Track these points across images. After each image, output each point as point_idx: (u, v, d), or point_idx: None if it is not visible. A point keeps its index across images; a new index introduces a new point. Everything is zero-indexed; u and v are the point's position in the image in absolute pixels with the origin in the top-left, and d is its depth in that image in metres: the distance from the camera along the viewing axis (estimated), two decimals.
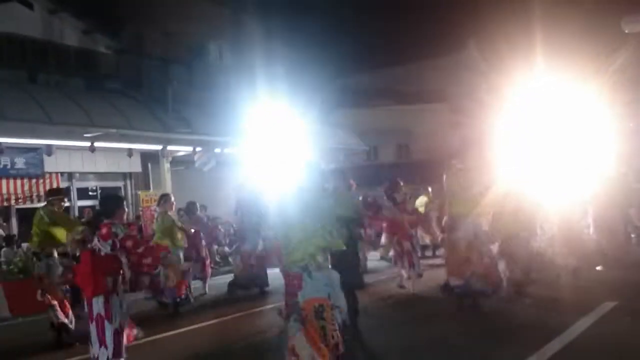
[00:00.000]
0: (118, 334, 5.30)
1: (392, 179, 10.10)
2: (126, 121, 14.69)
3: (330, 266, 4.54)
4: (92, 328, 5.32)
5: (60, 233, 7.33)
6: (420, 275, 9.55)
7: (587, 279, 9.03)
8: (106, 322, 5.25)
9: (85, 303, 5.40)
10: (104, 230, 5.39)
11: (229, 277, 11.14)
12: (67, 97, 14.70)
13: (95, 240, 5.40)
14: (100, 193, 16.29)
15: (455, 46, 30.33)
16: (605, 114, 14.47)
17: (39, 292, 7.21)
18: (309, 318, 4.30)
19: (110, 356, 5.24)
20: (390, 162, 28.34)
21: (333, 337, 4.32)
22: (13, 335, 6.98)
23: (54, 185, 14.73)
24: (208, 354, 6.40)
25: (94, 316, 5.29)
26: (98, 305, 5.28)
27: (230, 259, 13.64)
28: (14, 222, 14.66)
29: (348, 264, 5.44)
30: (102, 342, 5.25)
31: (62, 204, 7.84)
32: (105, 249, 5.36)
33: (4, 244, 12.37)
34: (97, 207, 5.87)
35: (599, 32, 18.92)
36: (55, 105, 13.98)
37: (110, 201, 5.87)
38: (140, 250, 5.59)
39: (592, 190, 10.86)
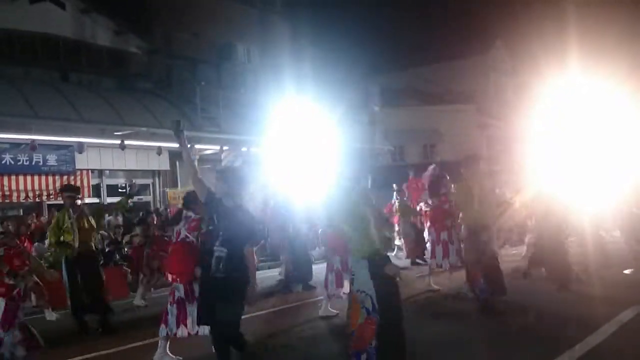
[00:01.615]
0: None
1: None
2: (156, 120, 14.92)
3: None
4: (174, 309, 5.86)
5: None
6: (453, 268, 9.20)
7: (614, 282, 8.89)
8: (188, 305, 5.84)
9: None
10: (193, 223, 6.02)
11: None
12: (98, 96, 14.99)
13: (184, 230, 6.03)
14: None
15: (483, 47, 30.13)
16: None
17: None
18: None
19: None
20: (416, 162, 28.26)
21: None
22: (43, 327, 7.13)
23: (85, 182, 15.05)
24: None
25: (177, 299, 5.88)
26: (179, 290, 5.88)
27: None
28: (45, 217, 14.96)
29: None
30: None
31: (75, 201, 7.91)
32: (191, 238, 5.99)
33: (36, 239, 12.64)
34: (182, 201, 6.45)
35: (637, 30, 18.65)
36: (86, 104, 14.26)
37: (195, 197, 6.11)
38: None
39: (623, 193, 10.72)
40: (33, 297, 8.72)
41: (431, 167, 10.75)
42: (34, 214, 14.83)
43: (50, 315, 8.73)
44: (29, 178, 14.28)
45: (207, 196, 5.00)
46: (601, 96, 13.80)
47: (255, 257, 6.49)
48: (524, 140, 16.40)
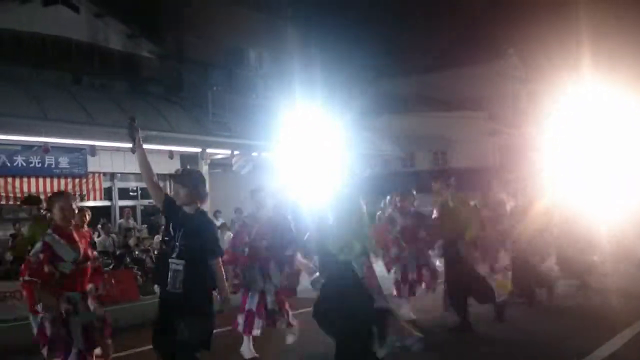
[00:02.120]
0: None
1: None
2: (167, 124, 14.97)
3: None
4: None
5: None
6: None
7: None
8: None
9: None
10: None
11: None
12: (110, 100, 15.05)
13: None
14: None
15: (496, 54, 30.05)
16: None
17: None
18: None
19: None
20: (426, 169, 28.17)
21: None
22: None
23: (97, 185, 15.10)
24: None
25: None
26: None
27: None
28: None
29: None
30: None
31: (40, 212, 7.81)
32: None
33: None
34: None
35: None
36: (98, 107, 14.31)
37: None
38: None
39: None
40: None
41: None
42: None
43: None
44: (40, 180, 14.33)
45: (165, 202, 4.54)
46: (615, 103, 13.69)
47: (303, 261, 6.42)
48: (536, 148, 16.31)
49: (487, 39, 28.37)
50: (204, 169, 16.57)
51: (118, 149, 14.77)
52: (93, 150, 14.24)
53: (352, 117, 18.38)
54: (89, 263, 4.91)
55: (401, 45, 32.77)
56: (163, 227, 4.99)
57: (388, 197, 14.00)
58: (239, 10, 19.97)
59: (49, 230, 4.86)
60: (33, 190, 14.25)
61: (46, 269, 4.70)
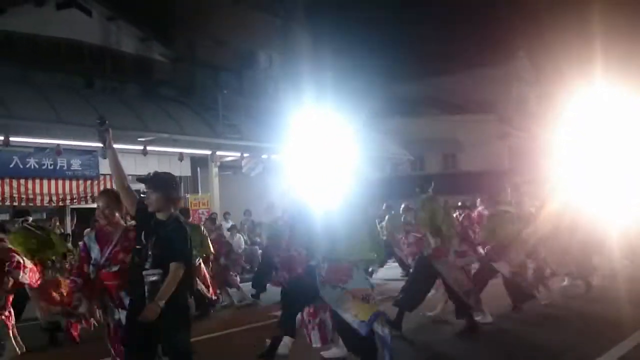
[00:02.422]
0: None
1: None
2: (178, 126, 15.07)
3: None
4: None
5: None
6: None
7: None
8: None
9: None
10: None
11: None
12: (122, 103, 15.18)
13: None
14: None
15: (506, 57, 29.96)
16: None
17: None
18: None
19: None
20: (436, 173, 28.13)
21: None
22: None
23: (108, 187, 15.17)
24: None
25: None
26: None
27: None
28: (68, 221, 15.14)
29: None
30: None
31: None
32: None
33: None
34: None
35: None
36: (110, 110, 14.36)
37: None
38: None
39: None
40: None
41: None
42: (56, 218, 15.09)
43: None
44: (53, 182, 14.48)
45: (137, 208, 4.24)
46: (627, 106, 13.64)
47: None
48: (546, 151, 16.28)
49: (498, 42, 28.30)
50: (214, 171, 16.69)
51: (129, 151, 14.89)
52: (105, 152, 14.30)
53: (363, 120, 18.40)
54: (112, 267, 4.61)
55: (412, 48, 32.78)
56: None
57: (385, 204, 14.02)
58: (249, 13, 20.08)
59: (89, 229, 4.90)
60: (45, 191, 14.40)
61: (85, 268, 4.72)
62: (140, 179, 4.25)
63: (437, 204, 7.23)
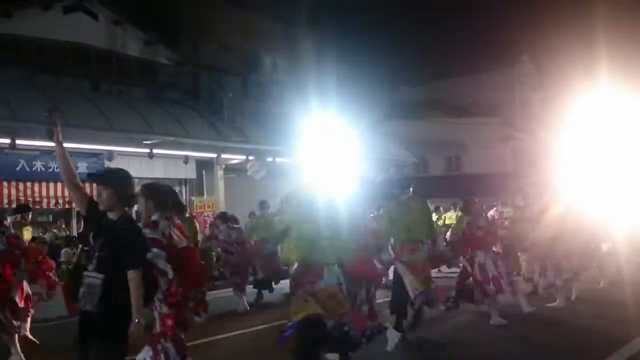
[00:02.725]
0: None
1: None
2: (183, 129, 15.17)
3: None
4: None
5: None
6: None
7: None
8: None
9: None
10: None
11: None
12: (128, 106, 15.29)
13: None
14: None
15: (509, 60, 30.05)
16: None
17: None
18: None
19: None
20: (440, 175, 28.20)
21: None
22: (71, 334, 7.29)
23: None
24: None
25: None
26: None
27: None
28: (74, 224, 15.24)
29: None
30: None
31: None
32: None
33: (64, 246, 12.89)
34: None
35: None
36: (116, 113, 14.55)
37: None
38: None
39: None
40: None
41: None
42: (62, 220, 15.19)
43: None
44: (59, 185, 14.54)
45: (87, 206, 3.91)
46: (630, 109, 13.69)
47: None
48: (549, 154, 16.32)
49: (502, 46, 28.43)
50: (219, 174, 16.78)
51: (135, 154, 15.00)
52: (111, 155, 14.46)
53: (367, 123, 18.48)
54: None
55: (416, 52, 32.88)
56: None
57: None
58: (254, 17, 20.20)
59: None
60: (51, 194, 14.49)
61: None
62: (90, 175, 3.97)
63: (415, 205, 7.24)
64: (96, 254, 3.71)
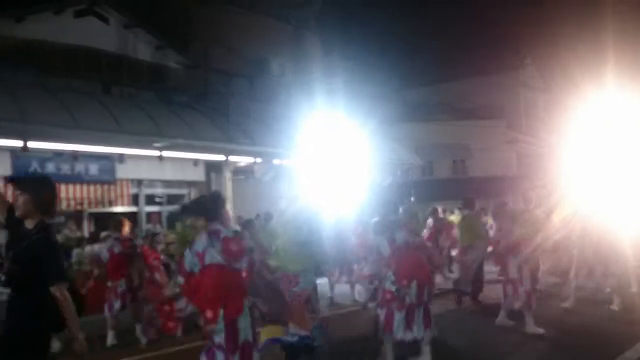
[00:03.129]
0: None
1: None
2: (192, 132, 15.36)
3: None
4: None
5: None
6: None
7: None
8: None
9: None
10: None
11: None
12: (138, 109, 15.48)
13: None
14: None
15: (514, 63, 30.17)
16: None
17: None
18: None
19: None
20: (445, 178, 28.32)
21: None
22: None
23: (124, 191, 15.51)
24: None
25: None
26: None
27: None
28: (85, 225, 15.44)
29: None
30: None
31: None
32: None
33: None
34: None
35: None
36: (127, 116, 14.74)
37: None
38: None
39: None
40: None
41: None
42: (74, 222, 15.37)
43: None
44: (70, 187, 14.76)
45: (8, 214, 3.59)
46: (635, 112, 13.77)
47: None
48: (554, 157, 16.43)
49: (506, 50, 28.53)
50: (227, 176, 16.97)
51: (145, 156, 15.19)
52: (121, 158, 14.68)
53: (373, 126, 18.63)
54: None
55: (422, 55, 33.01)
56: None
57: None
58: (261, 21, 20.42)
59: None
60: (63, 196, 14.68)
61: None
62: (9, 178, 3.72)
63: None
64: (6, 266, 3.38)
